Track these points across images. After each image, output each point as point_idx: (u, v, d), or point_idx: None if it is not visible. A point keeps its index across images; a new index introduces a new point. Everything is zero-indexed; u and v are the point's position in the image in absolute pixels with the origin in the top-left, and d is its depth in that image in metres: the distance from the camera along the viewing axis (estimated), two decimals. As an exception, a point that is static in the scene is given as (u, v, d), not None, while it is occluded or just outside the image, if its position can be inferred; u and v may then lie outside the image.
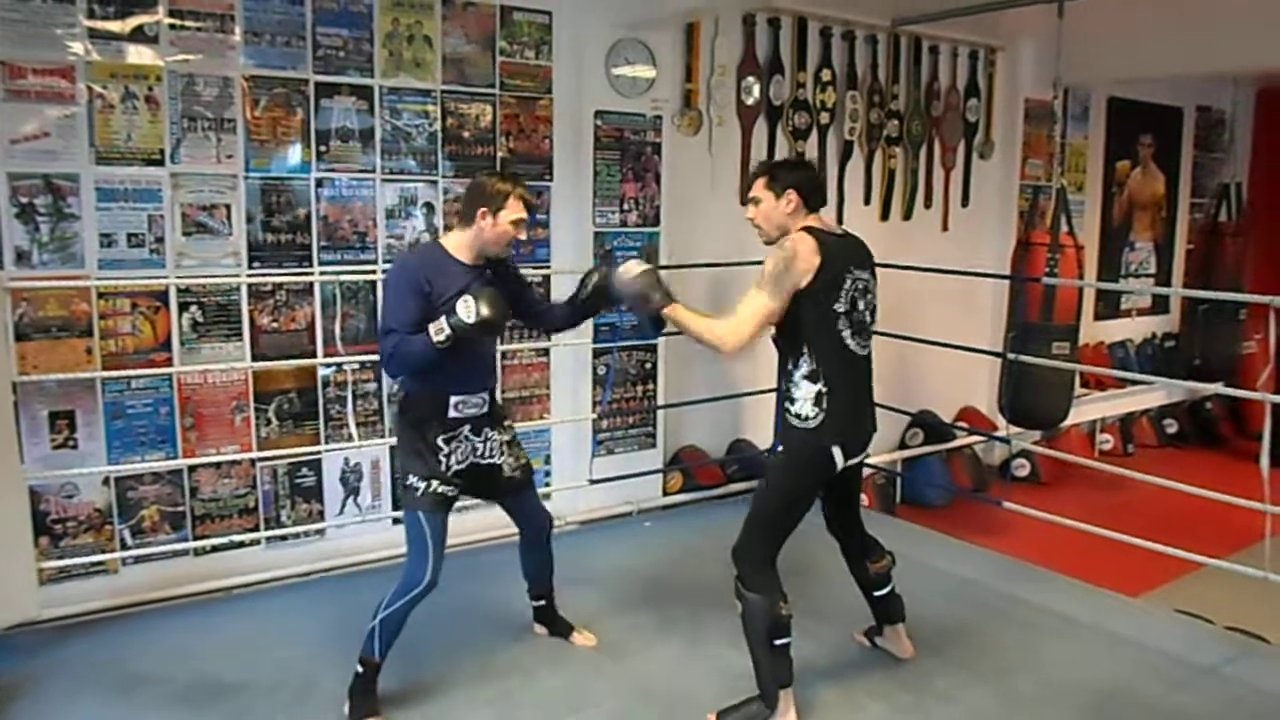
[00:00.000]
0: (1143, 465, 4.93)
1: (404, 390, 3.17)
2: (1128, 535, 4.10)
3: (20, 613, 3.47)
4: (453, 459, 3.10)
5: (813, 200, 3.10)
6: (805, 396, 3.00)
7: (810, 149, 5.80)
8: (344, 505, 4.39)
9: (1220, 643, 3.77)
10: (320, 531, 4.34)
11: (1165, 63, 6.33)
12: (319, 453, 4.29)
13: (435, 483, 3.05)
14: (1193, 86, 8.13)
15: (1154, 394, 7.99)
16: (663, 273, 3.23)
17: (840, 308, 2.99)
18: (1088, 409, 7.37)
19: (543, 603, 3.65)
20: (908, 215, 6.36)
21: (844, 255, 3.04)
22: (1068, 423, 5.99)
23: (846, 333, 3.01)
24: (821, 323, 2.98)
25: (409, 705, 3.19)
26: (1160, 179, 8.30)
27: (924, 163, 6.43)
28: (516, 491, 3.35)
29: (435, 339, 2.87)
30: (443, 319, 2.88)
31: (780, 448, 3.11)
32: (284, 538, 4.24)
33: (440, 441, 3.08)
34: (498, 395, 3.33)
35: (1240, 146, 8.43)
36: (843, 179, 6.00)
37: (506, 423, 3.33)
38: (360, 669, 3.08)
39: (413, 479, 3.06)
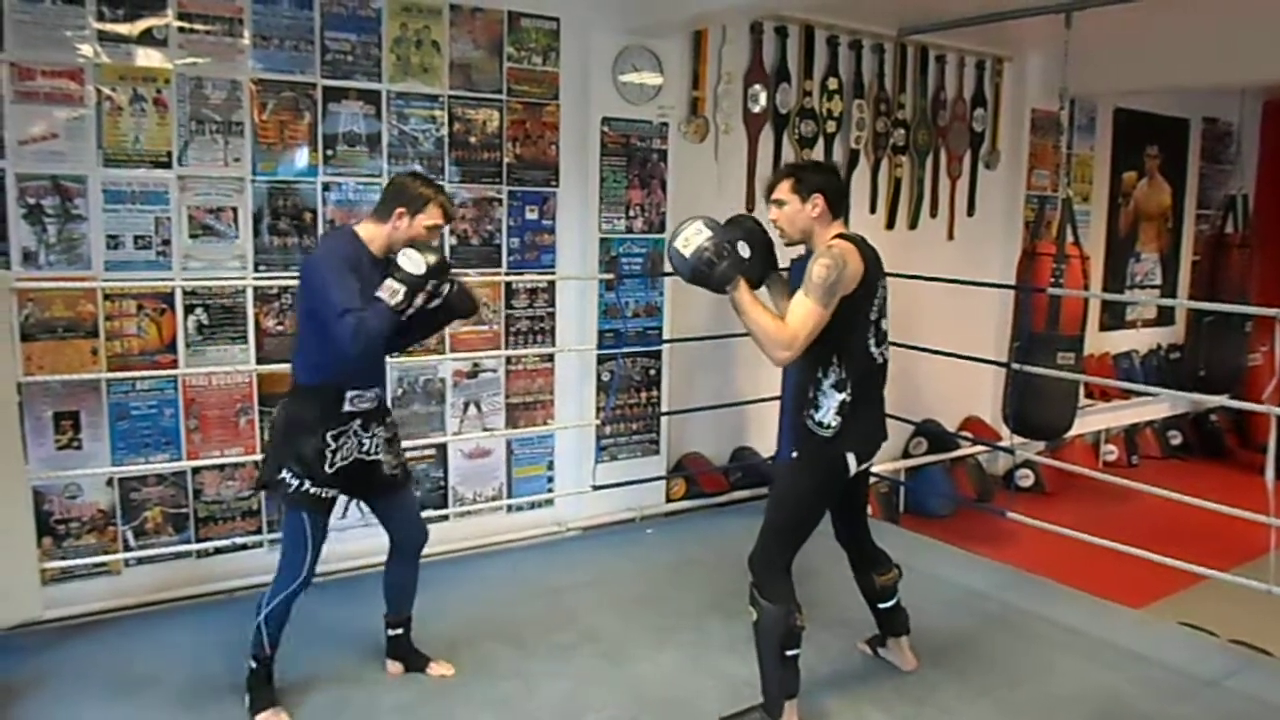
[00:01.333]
0: (1147, 477, 4.91)
1: (296, 381, 3.06)
2: (1131, 547, 4.09)
3: (23, 613, 3.47)
4: (338, 456, 3.01)
5: (838, 206, 3.07)
6: (830, 405, 2.99)
7: (816, 157, 5.80)
8: (346, 509, 4.36)
9: (1224, 656, 3.76)
10: (323, 535, 4.33)
11: (1172, 74, 6.33)
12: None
13: (309, 484, 2.97)
14: (1200, 98, 8.13)
15: (1158, 405, 7.99)
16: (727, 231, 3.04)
17: (872, 316, 3.00)
18: (1092, 420, 7.36)
19: (399, 632, 3.40)
20: (913, 224, 6.36)
21: (876, 264, 3.04)
22: (1072, 433, 5.99)
23: (872, 341, 3.02)
24: (855, 332, 2.97)
25: (408, 711, 3.18)
26: (1166, 190, 8.29)
27: (930, 172, 6.43)
28: (392, 491, 3.22)
29: (392, 302, 2.79)
30: (389, 280, 2.80)
31: (795, 454, 3.10)
32: (287, 541, 4.24)
33: (330, 438, 2.99)
34: (387, 392, 3.27)
35: (1247, 158, 8.43)
36: (849, 188, 6.00)
37: (390, 420, 3.22)
38: (254, 665, 3.10)
39: (285, 475, 2.96)
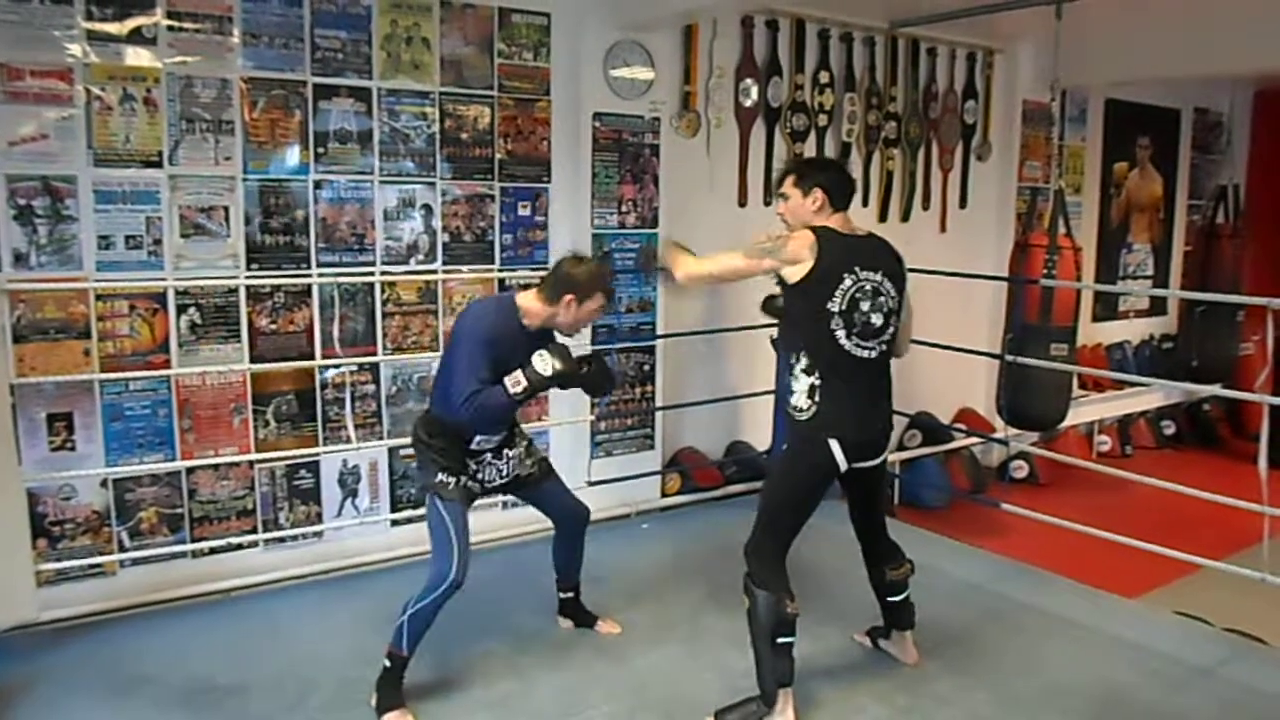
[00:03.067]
0: (1140, 467, 4.94)
1: (433, 413, 3.31)
2: (1126, 537, 4.11)
3: (18, 614, 3.47)
4: (481, 477, 3.33)
5: (838, 199, 3.16)
6: (801, 389, 3.08)
7: (808, 151, 5.80)
8: (342, 507, 4.39)
9: (1219, 644, 3.78)
10: (318, 533, 4.33)
11: (1163, 65, 6.34)
12: (317, 455, 4.29)
13: (464, 478, 3.24)
14: (1190, 88, 8.13)
15: (1152, 395, 8.00)
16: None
17: (834, 307, 2.99)
18: (1086, 410, 7.37)
19: (570, 595, 3.75)
20: (906, 217, 6.36)
21: (849, 256, 3.04)
22: (1066, 424, 5.99)
23: (841, 332, 3.01)
24: (811, 319, 3.02)
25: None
26: (1158, 181, 8.30)
27: (922, 164, 6.43)
28: (536, 485, 3.50)
29: (513, 391, 3.06)
30: (518, 373, 3.07)
31: (785, 445, 3.24)
32: (282, 540, 4.24)
33: (470, 462, 3.29)
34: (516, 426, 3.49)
35: (1238, 148, 8.45)
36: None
37: (518, 434, 3.48)
38: (388, 663, 3.13)
39: (441, 476, 3.20)
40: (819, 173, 3.22)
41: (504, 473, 3.38)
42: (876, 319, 3.05)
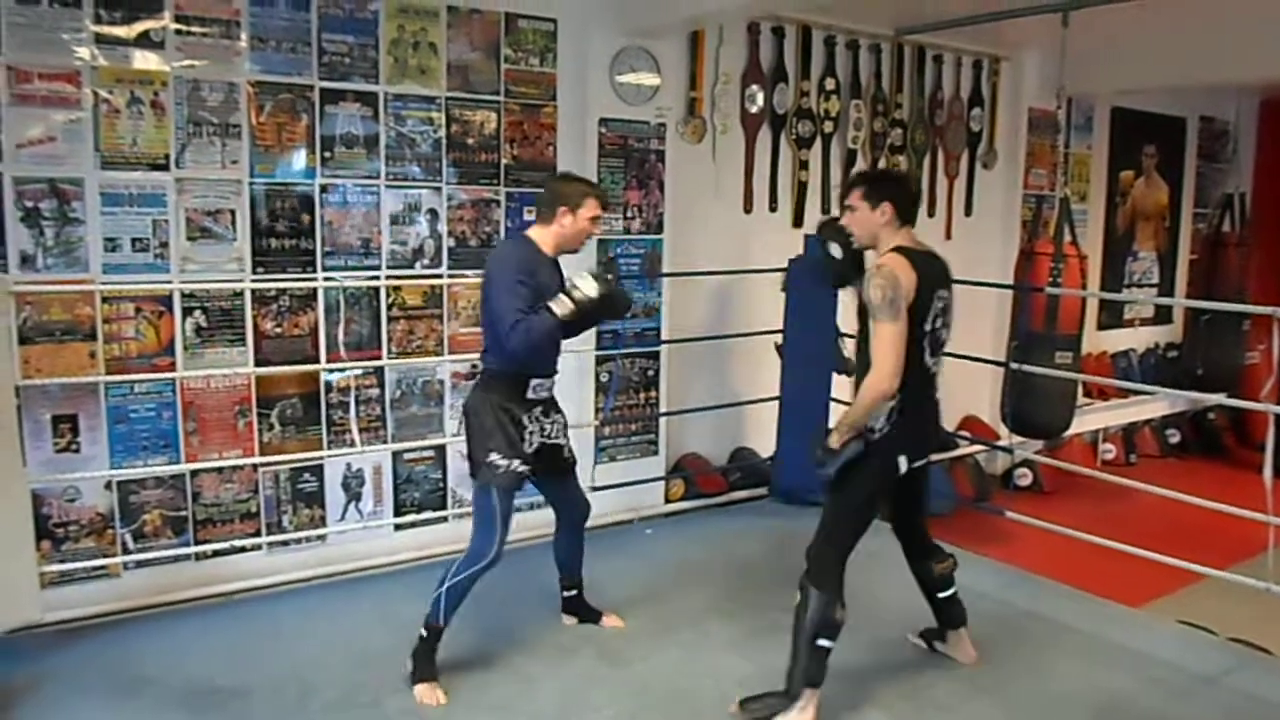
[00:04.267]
0: (1145, 475, 4.91)
1: (488, 371, 3.34)
2: (1130, 545, 4.10)
3: (22, 616, 3.47)
4: (534, 437, 3.33)
5: (906, 214, 3.19)
6: (880, 412, 3.05)
7: (814, 157, 5.81)
8: (345, 511, 4.39)
9: (1222, 654, 3.77)
10: (322, 537, 4.33)
11: (1169, 73, 6.34)
12: (321, 458, 4.29)
13: (517, 462, 3.25)
14: (1196, 97, 8.13)
15: (1157, 404, 7.98)
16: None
17: (926, 327, 3.06)
18: (1090, 418, 7.36)
19: (574, 592, 3.80)
20: (911, 224, 6.34)
21: (932, 275, 3.11)
22: (1070, 432, 5.98)
23: (926, 351, 3.09)
24: (909, 344, 3.01)
25: (409, 714, 3.18)
26: (1164, 189, 8.29)
27: (927, 171, 6.44)
28: (567, 473, 3.58)
29: (560, 313, 3.12)
30: (561, 295, 3.14)
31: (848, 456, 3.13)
32: (285, 543, 4.24)
33: (525, 419, 3.30)
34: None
35: (1244, 157, 8.43)
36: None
37: (560, 409, 3.52)
38: (424, 634, 3.26)
39: (495, 456, 3.23)
40: (887, 186, 3.24)
41: (548, 433, 3.39)
42: (944, 334, 3.18)
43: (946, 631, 3.60)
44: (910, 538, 3.51)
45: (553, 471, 3.49)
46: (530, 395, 3.31)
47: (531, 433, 3.31)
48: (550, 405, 3.42)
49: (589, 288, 3.14)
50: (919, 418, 3.15)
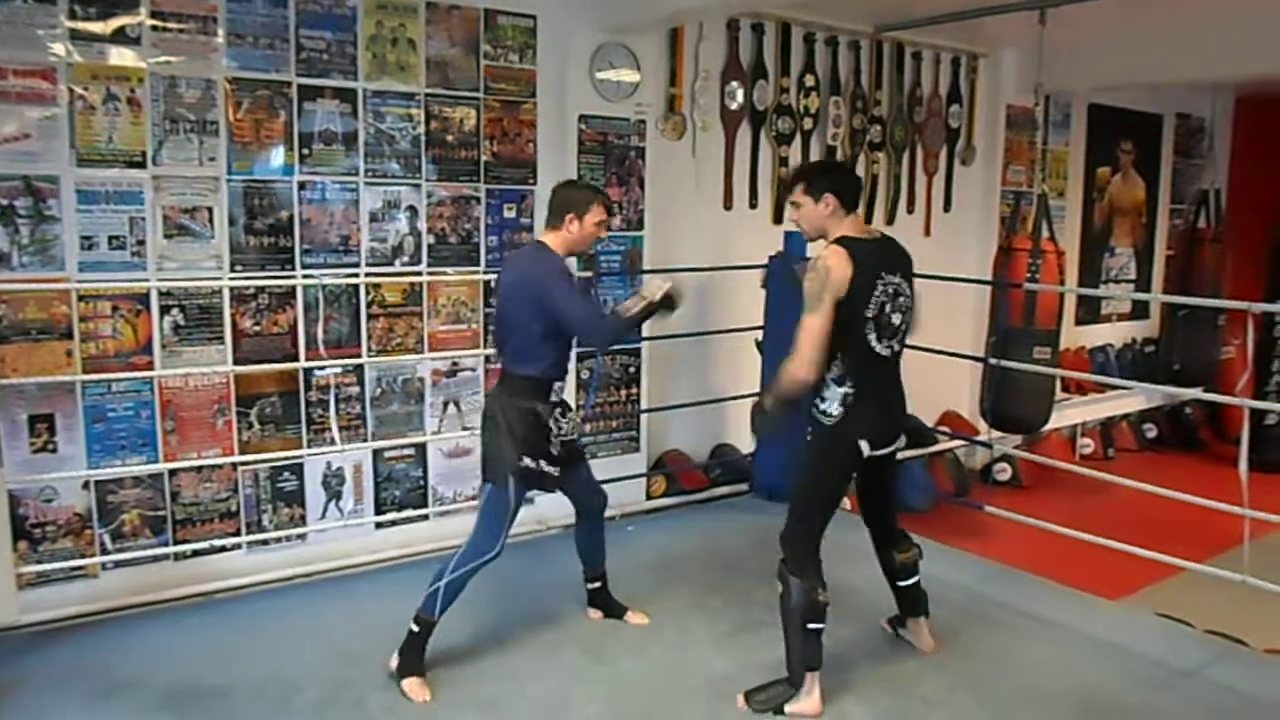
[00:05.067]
0: (1123, 469, 4.96)
1: (515, 376, 3.40)
2: (1108, 539, 4.13)
3: (0, 618, 3.45)
4: (557, 439, 3.41)
5: (849, 201, 3.24)
6: (833, 398, 3.19)
7: (794, 154, 5.82)
8: (326, 509, 4.37)
9: (1200, 646, 3.80)
10: (302, 536, 4.31)
11: (1146, 70, 6.38)
12: (301, 457, 4.27)
13: (543, 462, 3.35)
14: (1173, 94, 8.19)
15: (1134, 399, 8.05)
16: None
17: (869, 313, 3.12)
18: (1068, 413, 7.41)
19: (599, 585, 3.86)
20: (890, 220, 6.38)
21: (875, 261, 3.16)
22: (1049, 427, 6.02)
23: (872, 336, 3.14)
24: (851, 329, 3.11)
25: (394, 712, 3.17)
26: (1140, 185, 8.35)
27: (906, 168, 6.46)
28: (582, 465, 3.66)
29: (631, 313, 3.36)
30: (635, 297, 3.42)
31: (808, 437, 3.28)
32: (265, 542, 4.22)
33: (550, 422, 3.39)
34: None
35: (1219, 153, 8.52)
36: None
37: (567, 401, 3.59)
38: (415, 628, 3.29)
39: (528, 460, 3.31)
40: (827, 177, 3.30)
41: (565, 431, 3.46)
42: (896, 318, 3.21)
43: (907, 619, 3.67)
44: (877, 525, 3.58)
45: (570, 465, 3.54)
46: (553, 397, 3.42)
47: (555, 434, 3.40)
48: (565, 406, 3.51)
49: (654, 290, 3.39)
50: (874, 402, 3.21)
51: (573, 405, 3.64)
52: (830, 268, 3.06)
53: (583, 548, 3.80)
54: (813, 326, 3.06)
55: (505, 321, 3.41)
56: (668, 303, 3.43)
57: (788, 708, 3.20)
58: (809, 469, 3.30)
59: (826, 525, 3.26)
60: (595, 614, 3.86)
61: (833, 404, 3.18)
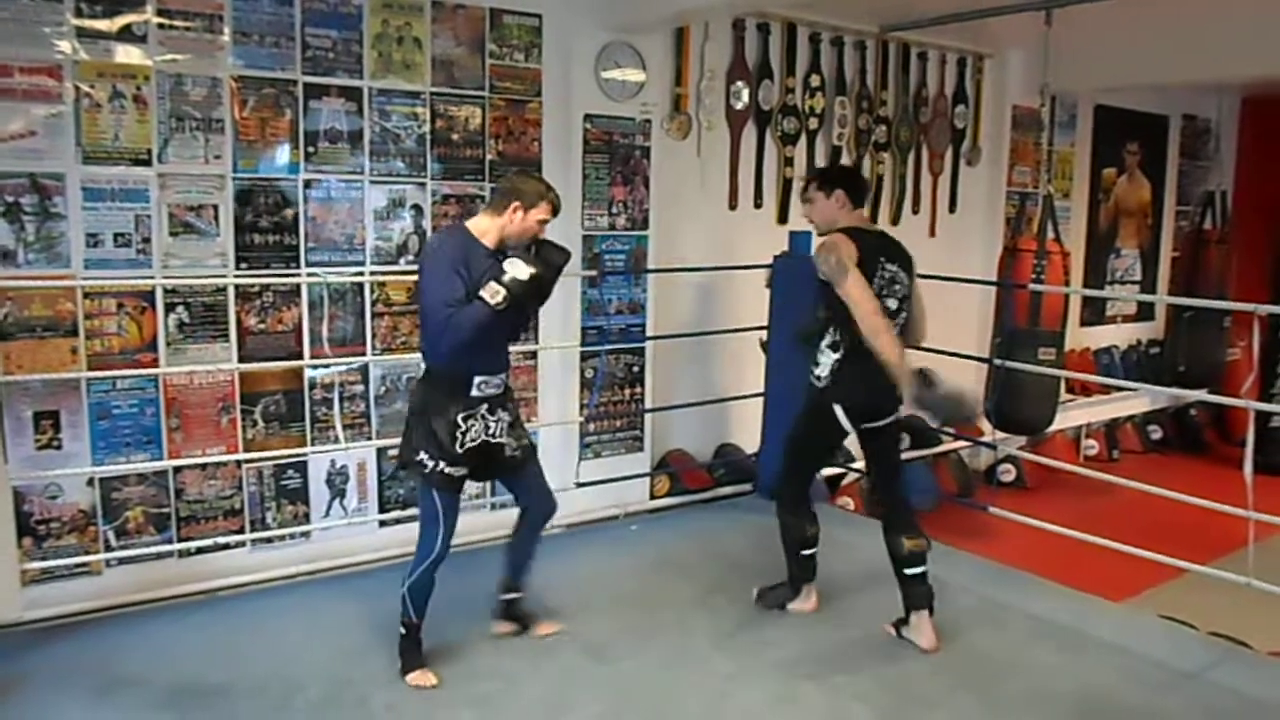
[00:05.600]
0: (1127, 471, 4.95)
1: (427, 366, 3.29)
2: (1112, 540, 4.12)
3: (3, 614, 3.46)
4: (467, 437, 3.22)
5: (856, 198, 3.68)
6: (825, 363, 3.56)
7: (799, 154, 5.82)
8: (330, 507, 4.38)
9: (1203, 648, 3.79)
10: (306, 534, 4.32)
11: (1152, 71, 6.37)
12: (305, 454, 4.28)
13: (444, 464, 3.19)
14: (1179, 95, 8.18)
15: (1139, 400, 8.04)
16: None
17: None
18: (1073, 415, 7.41)
19: (516, 595, 3.67)
20: (895, 220, 6.38)
21: (877, 248, 3.52)
22: (1053, 428, 6.02)
23: None
24: (846, 306, 3.39)
25: (395, 710, 3.18)
26: (1146, 186, 8.34)
27: (912, 168, 6.46)
28: (517, 469, 3.46)
29: (492, 301, 3.02)
30: (493, 282, 3.05)
31: (805, 398, 3.68)
32: (269, 540, 4.23)
33: (460, 419, 3.20)
34: (510, 378, 3.43)
35: (1225, 155, 8.50)
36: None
37: (513, 404, 3.44)
38: (403, 631, 3.34)
39: (423, 456, 3.20)
40: (839, 177, 3.74)
41: (491, 432, 3.27)
42: (893, 304, 3.51)
43: (910, 613, 3.67)
44: (885, 505, 3.76)
45: (502, 469, 3.42)
46: (475, 393, 3.22)
47: (464, 431, 3.20)
48: (497, 401, 3.30)
49: (519, 270, 3.06)
50: (860, 376, 3.46)
51: (512, 402, 3.41)
52: (839, 244, 3.41)
53: (513, 554, 3.59)
54: (857, 286, 3.35)
55: (420, 310, 3.29)
56: (540, 288, 3.19)
57: (790, 606, 3.89)
58: (797, 425, 3.74)
59: (813, 477, 3.89)
60: (504, 627, 3.66)
61: (824, 369, 3.55)
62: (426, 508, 3.26)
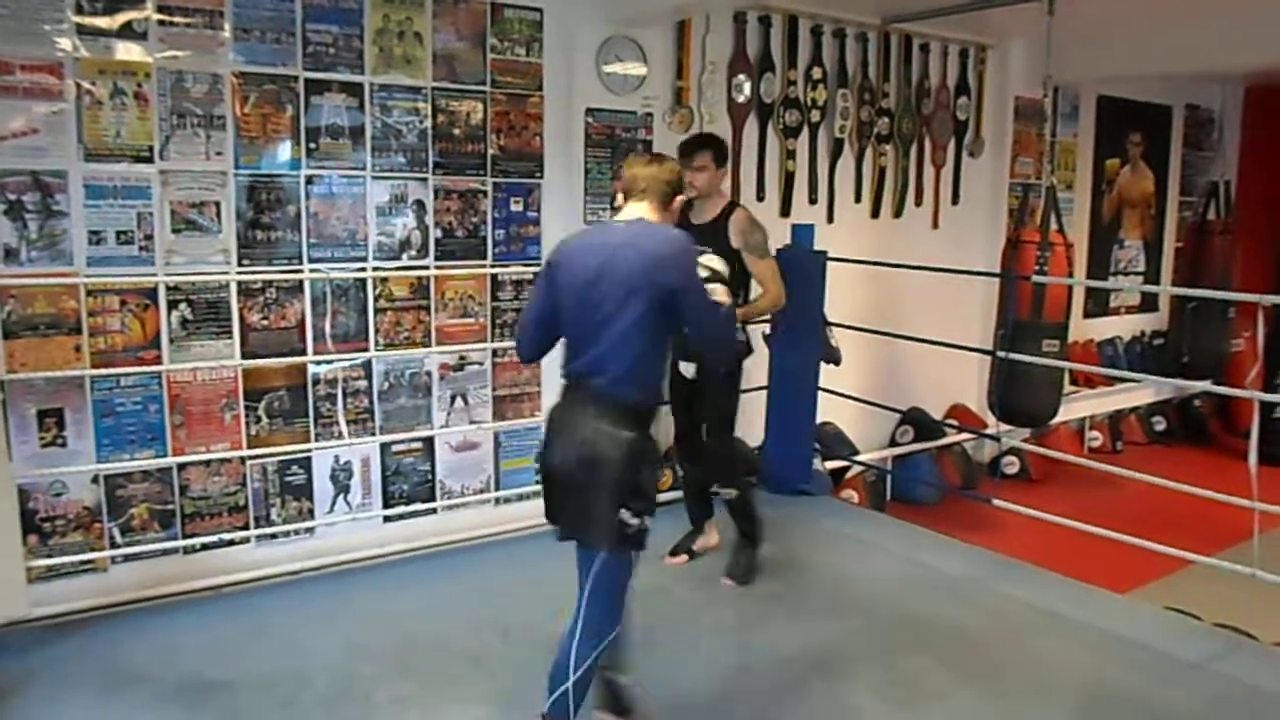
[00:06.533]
0: (1131, 462, 4.95)
1: (638, 404, 2.64)
2: (1117, 532, 4.12)
3: (9, 611, 3.46)
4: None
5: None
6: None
7: (801, 146, 5.81)
8: (334, 503, 4.38)
9: (1208, 639, 3.79)
10: (310, 530, 4.32)
11: (1154, 61, 6.36)
12: (309, 450, 4.28)
13: (648, 519, 2.65)
14: (1182, 85, 8.16)
15: (1143, 391, 8.04)
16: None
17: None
18: (1077, 406, 7.41)
19: (623, 680, 3.05)
20: (898, 213, 6.37)
21: None
22: (1057, 420, 6.01)
23: None
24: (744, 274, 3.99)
25: (404, 703, 3.18)
26: (1149, 177, 8.33)
27: (914, 160, 6.44)
28: None
29: (730, 301, 2.88)
30: (715, 285, 2.84)
31: (732, 370, 4.04)
32: (274, 536, 4.23)
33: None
34: None
35: (1229, 145, 8.48)
36: (834, 177, 6.01)
37: None
38: None
39: (647, 519, 2.62)
40: (724, 149, 4.15)
41: None
42: None
43: (704, 523, 4.37)
44: (711, 453, 4.15)
45: None
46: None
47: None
48: None
49: (720, 265, 3.10)
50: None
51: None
52: (759, 222, 4.02)
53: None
54: (776, 262, 4.07)
55: (615, 327, 2.57)
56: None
57: (695, 546, 4.32)
58: (734, 393, 4.09)
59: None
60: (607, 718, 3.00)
61: (745, 330, 3.97)
62: (616, 577, 2.67)
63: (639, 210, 2.75)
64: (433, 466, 4.62)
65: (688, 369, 3.51)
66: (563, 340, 2.73)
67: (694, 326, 2.70)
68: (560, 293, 2.67)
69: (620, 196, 2.85)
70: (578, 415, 2.61)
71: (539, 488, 2.81)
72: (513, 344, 4.68)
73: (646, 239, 2.63)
